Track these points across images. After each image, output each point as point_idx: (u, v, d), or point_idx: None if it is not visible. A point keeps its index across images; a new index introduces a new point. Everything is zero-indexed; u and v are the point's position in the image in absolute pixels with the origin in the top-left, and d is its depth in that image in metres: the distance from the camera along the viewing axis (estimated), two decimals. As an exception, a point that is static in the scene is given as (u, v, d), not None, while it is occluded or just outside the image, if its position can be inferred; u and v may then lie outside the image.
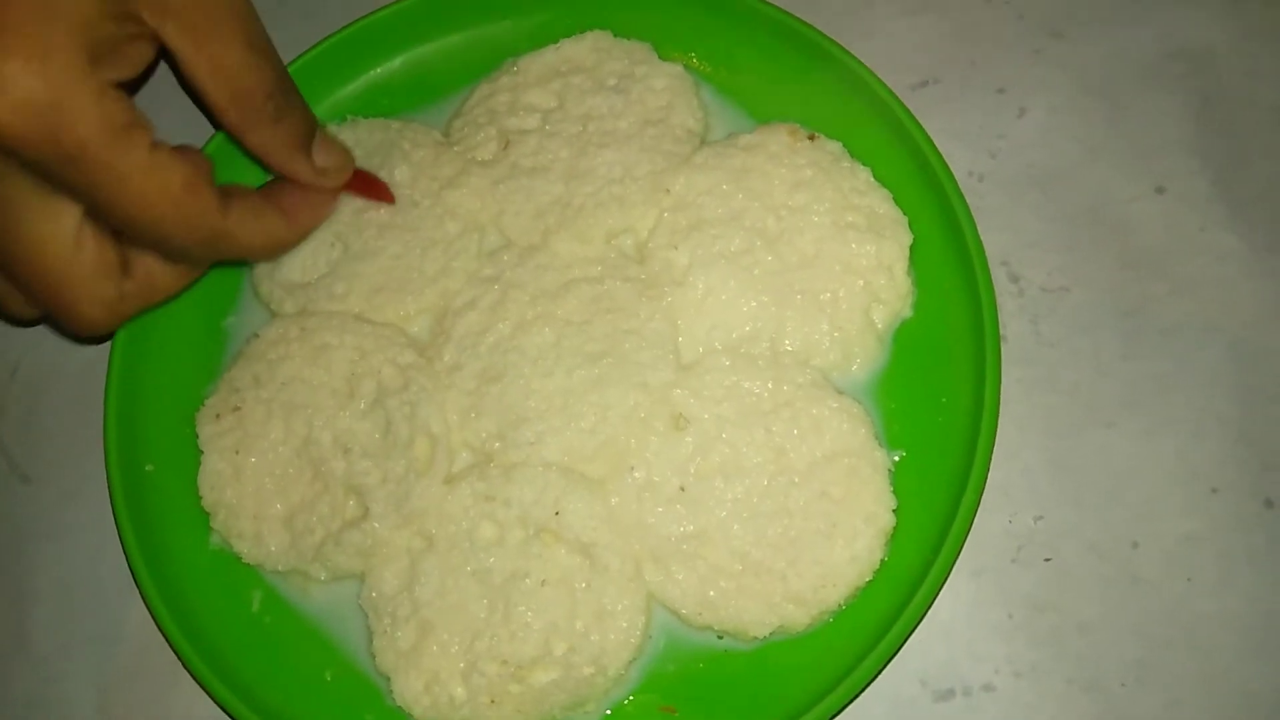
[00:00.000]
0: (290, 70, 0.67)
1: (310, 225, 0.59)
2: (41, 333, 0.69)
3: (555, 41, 0.69)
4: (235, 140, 0.53)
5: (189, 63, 0.48)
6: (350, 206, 0.64)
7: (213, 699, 0.55)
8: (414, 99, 0.70)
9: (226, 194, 0.51)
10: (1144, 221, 0.65)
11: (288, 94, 0.53)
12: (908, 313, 0.61)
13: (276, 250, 0.59)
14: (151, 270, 0.52)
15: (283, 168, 0.56)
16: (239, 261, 0.64)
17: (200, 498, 0.60)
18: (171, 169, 0.47)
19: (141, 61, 0.48)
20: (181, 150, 0.48)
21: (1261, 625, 0.56)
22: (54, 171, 0.45)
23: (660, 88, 0.66)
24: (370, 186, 0.63)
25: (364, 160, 0.66)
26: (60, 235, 0.48)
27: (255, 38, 0.50)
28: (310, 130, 0.55)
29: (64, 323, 0.52)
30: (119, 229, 0.50)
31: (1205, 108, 0.67)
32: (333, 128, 0.68)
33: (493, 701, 0.54)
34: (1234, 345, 0.61)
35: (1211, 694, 0.55)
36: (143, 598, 0.57)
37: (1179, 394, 0.61)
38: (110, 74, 0.45)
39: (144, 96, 0.69)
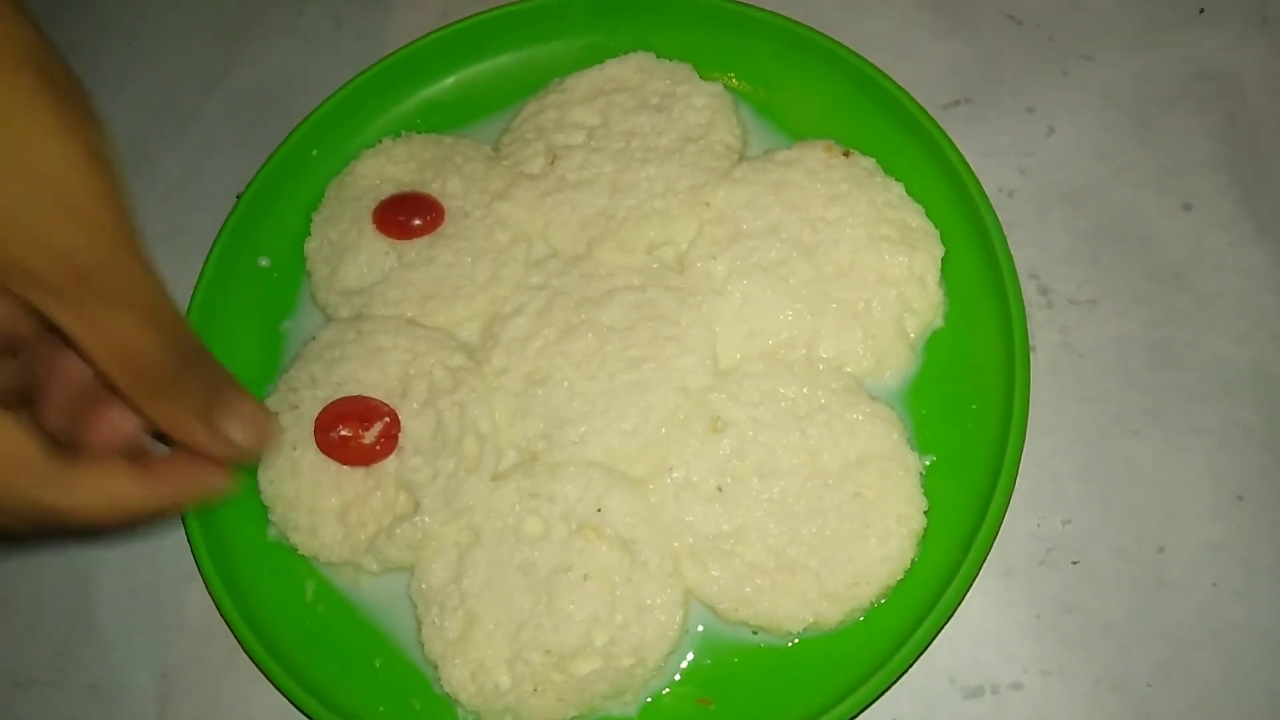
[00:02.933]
0: (348, 91, 0.71)
1: (184, 495, 0.52)
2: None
3: (600, 62, 0.72)
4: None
5: (75, 337, 0.44)
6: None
7: (271, 682, 0.58)
8: (465, 116, 0.73)
9: (68, 461, 0.46)
10: (1170, 237, 0.66)
11: (188, 364, 0.48)
12: (939, 322, 0.63)
13: (132, 521, 0.50)
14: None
15: (179, 439, 0.50)
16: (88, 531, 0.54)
17: (259, 492, 0.63)
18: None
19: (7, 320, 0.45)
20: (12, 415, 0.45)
21: (1286, 629, 0.57)
22: None
23: (701, 106, 0.69)
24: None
25: (418, 173, 0.70)
26: None
27: (154, 310, 0.45)
28: (214, 397, 0.50)
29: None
30: None
31: (1231, 127, 0.69)
32: (388, 141, 0.71)
33: (536, 690, 0.56)
34: (1258, 357, 0.63)
35: (1236, 696, 0.56)
36: (206, 587, 0.60)
37: (1205, 404, 0.62)
38: None
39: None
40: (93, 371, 0.47)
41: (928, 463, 0.60)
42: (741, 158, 0.68)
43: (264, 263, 0.70)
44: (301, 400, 0.63)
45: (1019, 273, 0.61)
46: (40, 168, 0.41)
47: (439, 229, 0.68)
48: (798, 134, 0.69)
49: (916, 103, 0.65)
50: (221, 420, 0.50)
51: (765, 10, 0.69)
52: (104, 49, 0.83)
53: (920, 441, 0.61)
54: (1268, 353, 0.63)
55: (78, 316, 0.43)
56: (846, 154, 0.66)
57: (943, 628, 0.55)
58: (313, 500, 0.62)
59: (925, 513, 0.58)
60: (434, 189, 0.69)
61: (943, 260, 0.64)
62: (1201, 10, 0.72)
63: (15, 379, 0.50)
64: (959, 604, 0.55)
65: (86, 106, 0.44)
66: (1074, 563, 0.59)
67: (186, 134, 0.78)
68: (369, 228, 0.68)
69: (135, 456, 0.51)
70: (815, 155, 0.66)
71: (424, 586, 0.59)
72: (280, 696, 0.58)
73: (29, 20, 0.43)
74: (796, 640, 0.57)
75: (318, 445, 0.62)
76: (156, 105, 0.80)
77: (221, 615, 0.59)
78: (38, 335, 0.49)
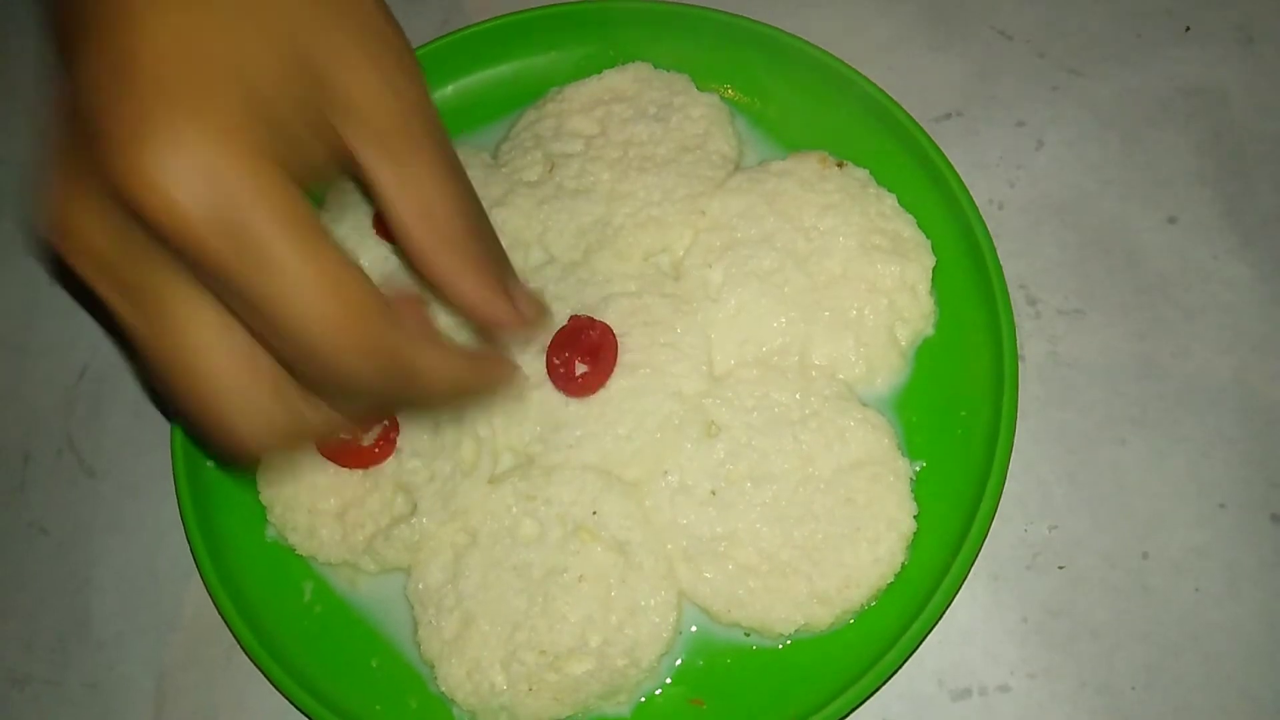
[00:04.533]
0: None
1: (494, 381, 0.51)
2: (107, 335, 0.73)
3: (598, 72, 0.73)
4: (419, 273, 0.46)
5: (381, 183, 0.43)
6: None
7: (269, 681, 0.58)
8: (464, 123, 0.74)
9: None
10: (1156, 250, 0.68)
11: (485, 225, 0.47)
12: (930, 331, 0.65)
13: (458, 399, 0.49)
14: (322, 406, 0.45)
15: (473, 306, 0.47)
16: (409, 410, 0.54)
17: (258, 492, 0.63)
18: (353, 283, 0.39)
19: (318, 177, 0.42)
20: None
21: (1266, 634, 0.58)
22: (218, 269, 0.37)
23: (697, 116, 0.70)
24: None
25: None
26: (216, 342, 0.41)
27: (456, 167, 0.45)
28: (507, 268, 0.49)
29: (219, 441, 0.43)
30: (285, 357, 0.42)
31: (1216, 142, 0.70)
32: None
33: (531, 689, 0.57)
34: (1242, 368, 0.64)
35: (1218, 698, 0.57)
36: (204, 585, 0.61)
37: (1189, 414, 0.63)
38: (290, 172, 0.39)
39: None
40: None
41: (918, 468, 0.61)
42: (737, 168, 0.70)
43: (264, 266, 0.70)
44: (301, 402, 0.64)
45: (1008, 283, 0.62)
46: (362, 9, 0.43)
47: (438, 234, 0.69)
48: (792, 145, 0.70)
49: (909, 115, 0.67)
50: (514, 289, 0.49)
51: (762, 23, 0.70)
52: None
53: (910, 447, 0.62)
54: (1251, 364, 0.64)
55: (392, 166, 0.42)
56: (840, 165, 0.67)
57: (931, 630, 0.56)
58: (311, 501, 0.62)
59: (915, 517, 0.59)
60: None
61: (934, 270, 0.65)
62: (1188, 28, 0.74)
63: None
64: (947, 607, 0.56)
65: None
66: (1060, 568, 0.61)
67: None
68: (369, 233, 0.69)
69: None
70: (809, 166, 0.67)
71: (421, 587, 0.60)
72: (278, 695, 0.59)
73: None
74: (788, 642, 0.58)
75: (316, 447, 0.62)
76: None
77: (220, 614, 0.60)
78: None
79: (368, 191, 0.44)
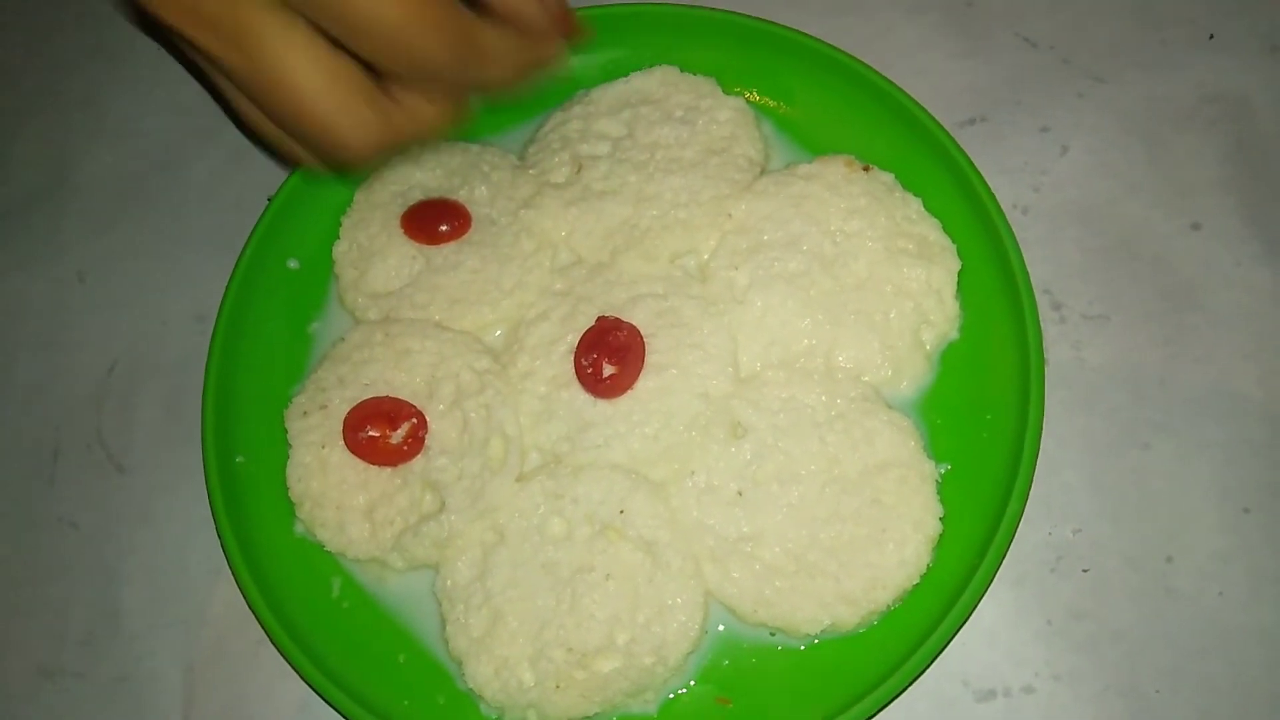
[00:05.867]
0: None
1: (546, 56, 0.57)
2: (139, 333, 0.74)
3: (625, 75, 0.73)
4: None
5: None
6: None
7: (298, 675, 0.59)
8: (492, 125, 0.75)
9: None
10: (1180, 256, 0.68)
11: None
12: (955, 335, 0.65)
13: (523, 75, 0.56)
14: (410, 99, 0.52)
15: (510, 9, 0.54)
16: (486, 94, 0.57)
17: (288, 489, 0.64)
18: None
19: None
20: None
21: (1290, 639, 0.58)
22: None
23: (724, 119, 0.71)
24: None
25: (445, 180, 0.71)
26: (310, 62, 0.47)
27: None
28: None
29: (328, 151, 0.51)
30: (370, 54, 0.48)
31: (1239, 149, 0.71)
32: (416, 148, 0.72)
33: (559, 687, 0.58)
34: (1266, 374, 0.64)
35: (1241, 702, 0.57)
36: (234, 579, 0.61)
37: (1213, 419, 0.64)
38: None
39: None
40: None
41: (943, 471, 0.61)
42: (763, 171, 0.70)
43: (293, 265, 0.71)
44: (330, 400, 0.65)
45: (1033, 287, 0.62)
46: None
47: (466, 235, 0.69)
48: (818, 149, 0.71)
49: (934, 120, 0.67)
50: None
51: (788, 28, 0.71)
52: (136, 51, 0.84)
53: (935, 450, 0.62)
54: (1275, 370, 0.64)
55: None
56: (866, 169, 0.68)
57: (957, 632, 0.56)
58: (340, 498, 0.63)
59: (941, 519, 0.59)
60: (461, 196, 0.70)
61: (959, 274, 0.65)
62: (1211, 36, 0.74)
63: None
64: (973, 609, 0.56)
65: None
66: (1084, 571, 0.61)
67: (218, 138, 0.79)
68: (397, 233, 0.69)
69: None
70: (835, 169, 0.68)
71: (449, 584, 0.61)
72: (305, 689, 0.60)
73: None
74: (814, 642, 0.59)
75: (346, 444, 0.63)
76: (187, 108, 0.81)
77: (250, 608, 0.60)
78: None
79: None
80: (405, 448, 0.63)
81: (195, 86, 0.83)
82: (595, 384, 0.63)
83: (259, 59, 0.47)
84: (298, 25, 0.46)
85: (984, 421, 0.62)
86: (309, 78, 0.47)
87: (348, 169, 0.61)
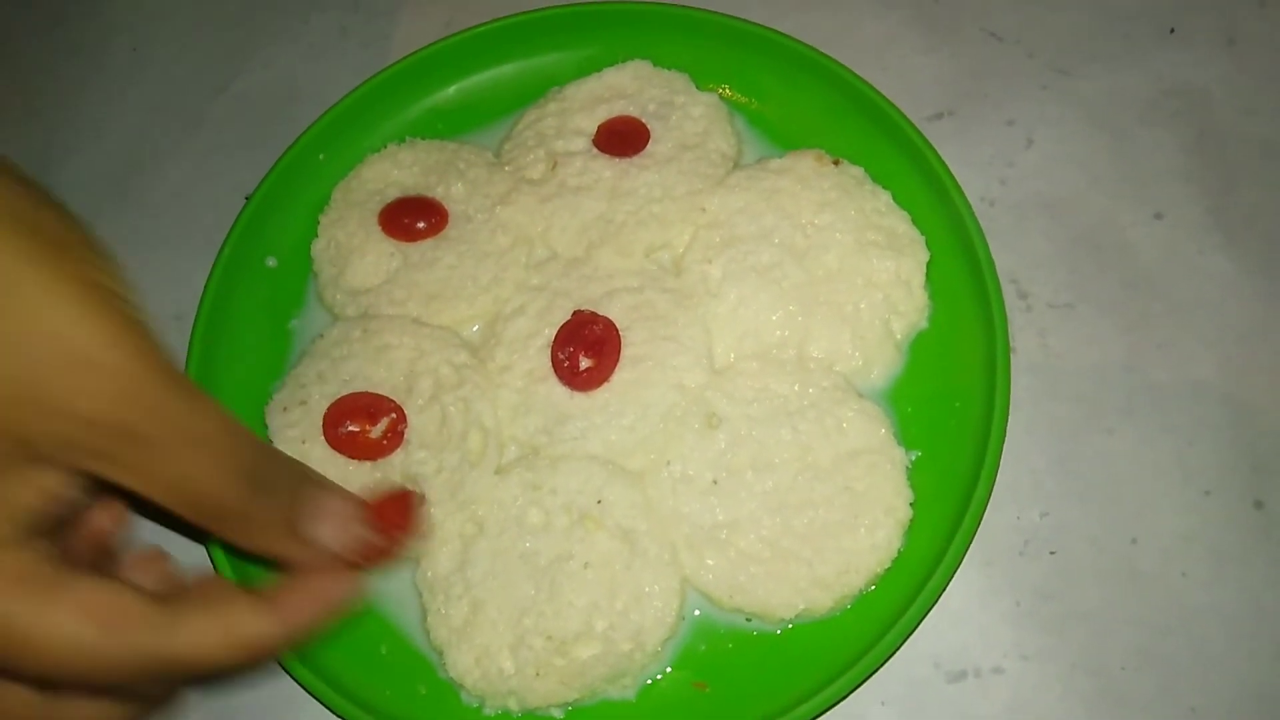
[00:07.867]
0: (354, 97, 0.73)
1: (312, 618, 0.47)
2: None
3: (598, 72, 0.74)
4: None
5: (138, 492, 0.40)
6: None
7: (280, 667, 0.59)
8: (467, 122, 0.76)
9: (178, 604, 0.42)
10: (1143, 245, 0.70)
11: (260, 484, 0.43)
12: (924, 324, 0.66)
13: (258, 655, 0.45)
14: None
15: (279, 560, 0.47)
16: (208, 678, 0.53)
17: (269, 484, 0.64)
18: (83, 614, 0.39)
19: (60, 489, 0.40)
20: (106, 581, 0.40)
21: (1251, 616, 0.60)
22: None
23: (697, 115, 0.72)
24: (399, 512, 0.53)
25: (422, 177, 0.72)
26: None
27: (209, 441, 0.41)
28: (295, 507, 0.46)
29: None
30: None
31: (1200, 140, 0.72)
32: (393, 146, 0.73)
33: (538, 674, 0.59)
34: (1226, 360, 0.66)
35: (1204, 678, 0.59)
36: (216, 574, 0.62)
37: (1175, 404, 0.65)
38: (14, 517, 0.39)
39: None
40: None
41: (913, 457, 0.63)
42: (736, 165, 0.71)
43: (272, 263, 0.72)
44: (309, 396, 0.65)
45: (1000, 277, 0.64)
46: (42, 331, 0.37)
47: (443, 232, 0.70)
48: (789, 143, 0.72)
49: (902, 114, 0.69)
50: (308, 527, 0.46)
51: (760, 25, 0.72)
52: (110, 51, 0.85)
53: (906, 437, 0.63)
54: (1234, 356, 0.66)
55: (133, 473, 0.39)
56: (836, 163, 0.69)
57: (927, 614, 0.57)
58: (321, 492, 0.63)
59: (911, 504, 0.61)
60: (438, 193, 0.71)
61: (927, 265, 0.67)
62: (1172, 30, 0.76)
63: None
64: (943, 592, 0.58)
65: (85, 244, 0.41)
66: (1051, 553, 0.62)
67: (194, 136, 0.79)
68: (375, 230, 0.70)
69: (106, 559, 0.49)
70: (806, 164, 0.69)
71: (429, 575, 0.61)
72: (289, 681, 0.60)
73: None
74: (789, 626, 0.60)
75: (326, 440, 0.64)
76: (163, 107, 0.81)
77: (233, 602, 0.61)
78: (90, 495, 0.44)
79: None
80: (385, 442, 0.64)
81: (171, 85, 0.83)
82: (572, 377, 0.64)
83: None
84: None
85: (953, 409, 0.63)
86: None
87: None
